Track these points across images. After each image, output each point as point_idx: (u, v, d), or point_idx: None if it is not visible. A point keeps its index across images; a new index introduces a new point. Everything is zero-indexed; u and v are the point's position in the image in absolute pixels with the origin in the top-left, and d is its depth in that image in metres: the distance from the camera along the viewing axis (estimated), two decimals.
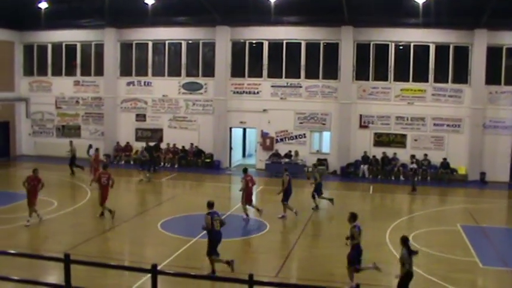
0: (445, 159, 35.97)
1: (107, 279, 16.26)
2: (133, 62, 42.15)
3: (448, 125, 36.51)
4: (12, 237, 21.51)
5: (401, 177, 34.96)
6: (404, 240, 14.81)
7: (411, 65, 37.08)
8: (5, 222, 23.15)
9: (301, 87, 38.62)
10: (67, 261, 12.67)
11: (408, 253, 14.56)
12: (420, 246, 20.85)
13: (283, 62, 38.99)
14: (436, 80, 36.71)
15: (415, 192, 32.08)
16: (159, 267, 12.31)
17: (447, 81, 36.52)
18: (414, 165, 33.17)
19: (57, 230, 22.83)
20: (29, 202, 23.29)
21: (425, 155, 36.18)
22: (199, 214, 25.29)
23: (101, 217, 24.89)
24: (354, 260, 16.35)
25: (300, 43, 38.58)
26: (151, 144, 38.65)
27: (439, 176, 35.95)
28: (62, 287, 13.23)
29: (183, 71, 40.96)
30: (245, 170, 26.12)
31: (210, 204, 18.22)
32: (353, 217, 17.04)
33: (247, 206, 25.75)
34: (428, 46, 36.62)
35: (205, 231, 17.88)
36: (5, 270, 14.89)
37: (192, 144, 40.18)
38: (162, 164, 39.86)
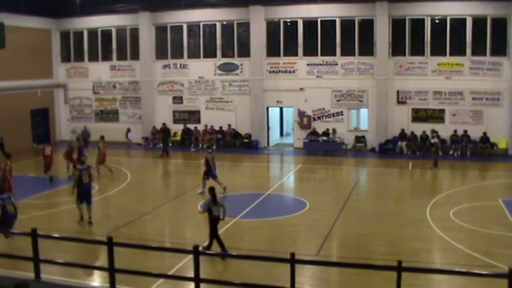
0: (484, 133, 35.44)
1: (149, 261, 16.44)
2: (169, 45, 42.26)
3: (487, 99, 35.91)
4: (56, 221, 21.91)
5: (440, 153, 34.45)
6: (211, 190, 17.66)
7: (448, 38, 36.45)
8: (48, 207, 23.60)
9: (337, 64, 38.36)
10: (110, 244, 12.85)
11: (213, 201, 17.16)
12: (461, 222, 20.77)
13: (319, 40, 38.69)
14: (473, 54, 36.05)
15: (436, 168, 31.80)
16: (199, 248, 12.41)
17: (485, 54, 35.84)
18: (435, 140, 32.82)
19: (99, 214, 23.12)
20: (10, 188, 22.90)
21: (465, 131, 35.67)
22: (239, 194, 25.66)
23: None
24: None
25: (334, 20, 38.23)
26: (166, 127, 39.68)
27: (479, 151, 35.47)
28: (105, 269, 13.44)
29: (219, 52, 40.97)
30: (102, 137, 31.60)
31: (82, 162, 22.31)
32: None
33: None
34: (465, 19, 35.95)
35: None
36: (50, 253, 15.15)
37: (229, 125, 40.27)
38: (200, 145, 39.96)
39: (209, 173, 26.21)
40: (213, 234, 17.06)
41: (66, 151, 30.58)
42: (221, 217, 17.31)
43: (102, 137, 31.53)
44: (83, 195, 21.33)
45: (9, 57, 36.61)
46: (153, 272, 14.60)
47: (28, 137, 40.16)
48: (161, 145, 39.89)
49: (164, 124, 39.86)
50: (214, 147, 39.56)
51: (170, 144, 39.95)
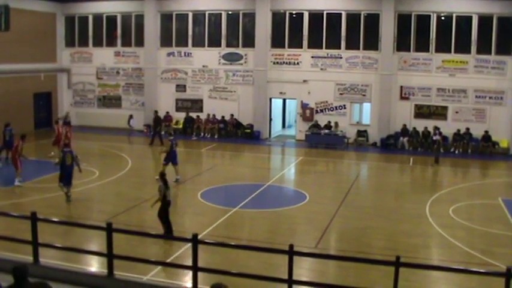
0: (486, 132, 35.37)
1: (147, 248, 16.49)
2: (174, 32, 42.13)
3: (490, 97, 35.80)
4: (55, 205, 21.88)
5: (441, 150, 34.36)
6: (161, 175, 18.35)
7: (453, 36, 36.32)
8: (48, 191, 23.55)
9: (341, 58, 38.26)
10: (109, 230, 12.85)
11: (164, 186, 17.89)
12: (460, 219, 20.78)
13: (324, 32, 38.54)
14: (478, 52, 35.95)
15: (437, 164, 31.71)
16: (198, 237, 12.42)
17: (490, 53, 35.73)
18: (438, 137, 32.79)
19: (99, 199, 23.22)
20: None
21: (467, 128, 35.58)
22: (239, 184, 25.74)
23: None
24: None
25: (340, 13, 38.10)
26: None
27: (480, 149, 35.39)
28: (104, 255, 13.46)
29: (223, 42, 40.87)
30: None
31: (66, 145, 24.02)
32: None
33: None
34: (471, 17, 35.85)
35: None
36: (48, 237, 15.15)
37: (232, 115, 40.23)
38: (202, 134, 40.01)
39: (169, 159, 26.51)
40: (164, 218, 17.96)
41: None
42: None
43: (56, 122, 31.78)
44: (65, 176, 22.31)
45: (14, 40, 36.55)
46: (151, 259, 14.61)
47: (30, 120, 40.20)
48: (163, 133, 39.95)
49: (156, 112, 39.36)
50: (216, 136, 39.68)
51: (173, 133, 40.06)
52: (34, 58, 40.66)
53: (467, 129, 35.55)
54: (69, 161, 22.29)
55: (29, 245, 13.27)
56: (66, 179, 22.26)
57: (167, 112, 41.15)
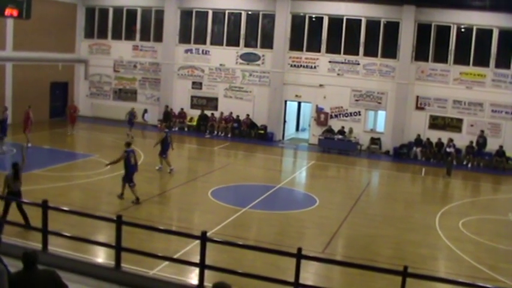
0: (501, 146, 35.18)
1: (155, 242, 16.49)
2: (193, 29, 42.19)
3: (506, 112, 35.63)
4: (66, 195, 21.99)
5: (454, 163, 34.19)
6: (13, 165, 17.21)
7: (472, 48, 36.19)
8: (60, 180, 23.69)
9: (358, 64, 38.21)
10: (119, 222, 12.90)
11: (14, 176, 17.01)
12: (470, 233, 20.67)
13: (342, 38, 38.50)
14: (497, 66, 35.76)
15: (449, 177, 31.41)
16: (207, 235, 12.45)
17: (509, 67, 35.47)
18: (451, 149, 32.59)
19: (109, 191, 23.23)
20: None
21: (482, 131, 35.43)
22: (250, 184, 25.76)
23: None
24: None
25: (360, 20, 38.05)
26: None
27: (494, 164, 35.22)
28: (112, 246, 13.51)
29: (242, 41, 40.89)
30: None
31: (128, 144, 22.43)
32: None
33: None
34: (492, 30, 35.72)
35: None
36: (58, 226, 15.20)
37: (247, 115, 40.26)
38: (215, 132, 40.07)
39: (164, 150, 27.49)
40: (5, 211, 16.91)
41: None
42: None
43: (29, 106, 31.74)
44: (130, 175, 21.92)
45: (34, 28, 36.75)
46: (159, 254, 14.64)
47: (46, 109, 40.37)
48: (176, 129, 40.02)
49: (166, 107, 39.45)
50: (229, 135, 39.71)
51: (178, 128, 40.22)
52: (53, 47, 40.91)
53: (482, 131, 35.43)
54: (133, 161, 22.08)
55: (39, 232, 13.34)
56: (129, 177, 21.93)
57: (182, 108, 41.31)
